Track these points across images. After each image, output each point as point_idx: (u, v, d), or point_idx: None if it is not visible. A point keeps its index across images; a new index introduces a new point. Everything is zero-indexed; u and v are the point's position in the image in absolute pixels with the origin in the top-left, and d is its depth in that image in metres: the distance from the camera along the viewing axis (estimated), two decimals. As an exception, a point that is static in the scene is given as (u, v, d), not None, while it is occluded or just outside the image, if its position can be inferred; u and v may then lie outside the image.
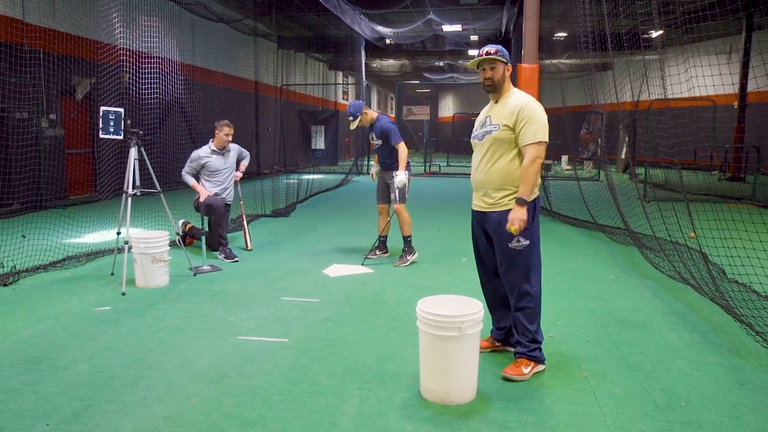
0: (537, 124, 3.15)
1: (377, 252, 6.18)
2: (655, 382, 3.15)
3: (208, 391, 3.00)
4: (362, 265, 5.87)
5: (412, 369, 3.24)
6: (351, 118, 5.82)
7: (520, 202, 3.14)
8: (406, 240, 5.95)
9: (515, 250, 3.21)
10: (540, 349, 3.29)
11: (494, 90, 3.31)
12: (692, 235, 5.76)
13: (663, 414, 2.79)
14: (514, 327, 3.33)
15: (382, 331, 3.92)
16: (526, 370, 3.20)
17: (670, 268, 5.51)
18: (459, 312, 2.88)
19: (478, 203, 3.38)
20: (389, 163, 5.94)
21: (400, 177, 5.73)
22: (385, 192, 6.10)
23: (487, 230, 3.37)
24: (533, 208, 3.23)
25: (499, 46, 3.32)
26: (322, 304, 4.51)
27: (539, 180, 3.30)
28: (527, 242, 3.21)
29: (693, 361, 3.43)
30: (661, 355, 3.53)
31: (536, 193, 3.25)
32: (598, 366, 3.36)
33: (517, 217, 3.13)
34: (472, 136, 3.45)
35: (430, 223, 8.32)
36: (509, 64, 3.30)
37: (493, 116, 3.31)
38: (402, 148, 5.80)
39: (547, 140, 3.18)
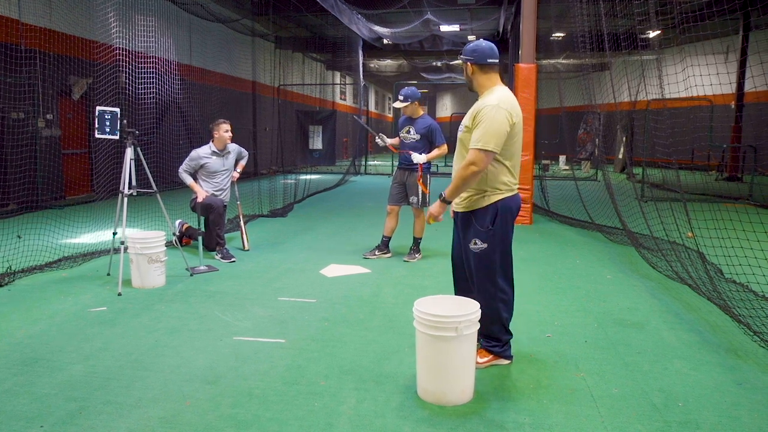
0: (485, 131, 3.01)
1: (377, 252, 6.18)
2: (653, 382, 3.14)
3: (204, 391, 2.98)
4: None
5: (409, 369, 3.23)
6: (401, 98, 5.73)
7: (440, 196, 3.23)
8: (417, 240, 6.14)
9: (474, 252, 3.22)
10: (501, 346, 3.33)
11: (471, 89, 3.31)
12: (690, 235, 5.76)
13: (660, 414, 2.79)
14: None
15: (379, 332, 3.91)
16: (481, 360, 3.28)
17: (667, 267, 5.51)
18: (456, 312, 2.87)
19: (454, 201, 3.38)
20: (413, 162, 5.85)
21: (420, 156, 5.69)
22: (399, 194, 6.03)
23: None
24: (494, 211, 3.17)
25: (470, 45, 3.23)
26: (319, 305, 4.50)
27: (509, 180, 3.19)
28: (484, 245, 3.17)
29: (690, 361, 3.43)
30: (658, 355, 3.53)
31: (502, 194, 3.18)
32: (595, 366, 3.35)
33: (430, 211, 3.28)
34: None
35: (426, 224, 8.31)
36: (468, 63, 3.20)
37: (465, 116, 3.27)
38: (444, 149, 5.83)
39: (491, 149, 3.01)
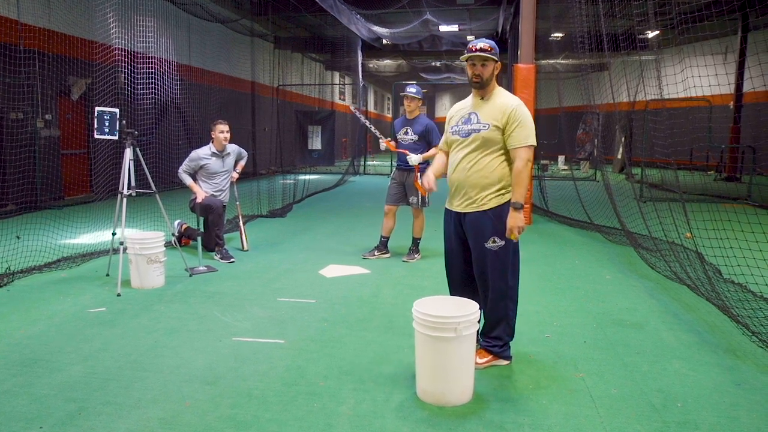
0: (528, 128, 3.17)
1: (376, 252, 6.19)
2: (652, 382, 3.15)
3: (204, 392, 2.98)
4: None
5: (409, 370, 3.23)
6: (414, 90, 5.86)
7: (516, 206, 3.13)
8: (416, 240, 6.17)
9: (491, 251, 3.21)
10: (501, 346, 3.32)
11: (482, 87, 3.26)
12: (688, 235, 5.76)
13: (659, 414, 2.79)
14: (481, 320, 3.32)
15: (378, 332, 3.91)
16: (480, 361, 3.27)
17: (666, 268, 5.51)
18: (455, 313, 2.87)
19: (457, 203, 3.33)
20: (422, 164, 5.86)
21: (415, 158, 5.71)
22: (398, 194, 6.05)
23: (464, 231, 3.33)
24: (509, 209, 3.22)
25: (493, 42, 3.27)
26: (318, 305, 4.50)
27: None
28: (502, 242, 3.20)
29: (689, 362, 3.43)
30: (657, 355, 3.53)
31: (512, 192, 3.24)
32: (594, 366, 3.36)
33: (516, 224, 3.12)
34: (451, 130, 3.40)
35: (425, 224, 8.31)
36: (498, 62, 3.26)
37: (481, 114, 3.25)
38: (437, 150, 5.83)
39: (535, 144, 3.20)
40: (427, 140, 5.85)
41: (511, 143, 3.16)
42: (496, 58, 3.22)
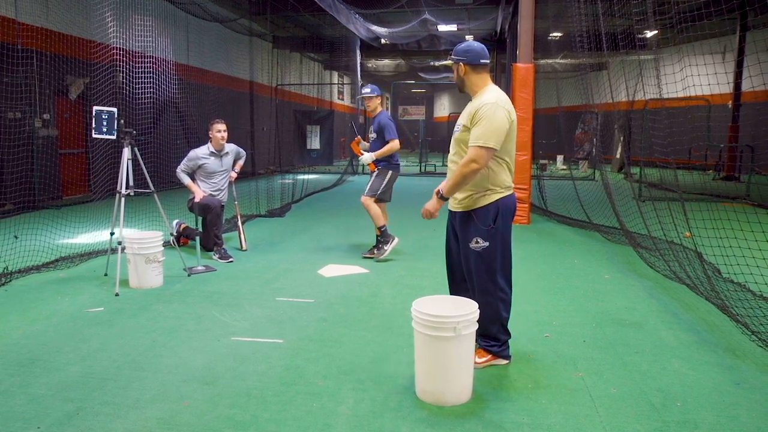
0: (485, 128, 3.05)
1: (385, 247, 6.17)
2: (651, 381, 3.14)
3: (202, 392, 2.98)
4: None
5: (408, 370, 3.23)
6: (368, 90, 5.99)
7: (437, 193, 3.24)
8: (380, 230, 6.03)
9: (474, 251, 3.21)
10: (499, 346, 3.33)
11: (461, 90, 3.34)
12: (687, 234, 5.76)
13: (659, 414, 2.79)
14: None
15: (377, 332, 3.90)
16: (479, 360, 3.28)
17: (665, 267, 5.51)
18: (454, 312, 2.86)
19: (450, 202, 3.39)
20: (379, 160, 6.06)
21: (365, 156, 5.97)
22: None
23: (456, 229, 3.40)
24: (495, 210, 3.19)
25: (461, 45, 3.28)
26: (317, 305, 4.49)
27: (508, 178, 3.25)
28: (486, 244, 3.19)
29: (689, 361, 3.43)
30: (656, 354, 3.53)
31: (502, 193, 3.21)
32: (593, 366, 3.35)
33: (426, 207, 3.29)
34: None
35: (425, 223, 8.31)
36: (460, 62, 3.23)
37: (461, 117, 3.31)
38: (392, 144, 5.93)
39: (492, 146, 3.04)
40: (382, 135, 5.98)
41: (469, 142, 3.13)
42: (456, 59, 3.25)
